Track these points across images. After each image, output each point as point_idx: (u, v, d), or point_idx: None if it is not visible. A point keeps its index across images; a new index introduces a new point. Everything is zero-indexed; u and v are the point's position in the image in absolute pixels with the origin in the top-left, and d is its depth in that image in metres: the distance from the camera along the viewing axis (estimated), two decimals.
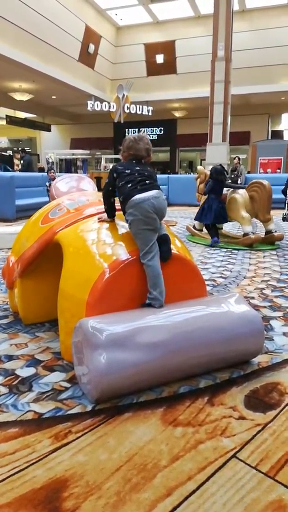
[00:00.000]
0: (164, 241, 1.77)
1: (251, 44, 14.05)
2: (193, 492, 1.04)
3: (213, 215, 4.62)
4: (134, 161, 1.90)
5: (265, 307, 2.49)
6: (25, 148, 12.80)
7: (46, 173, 8.60)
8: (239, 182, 10.14)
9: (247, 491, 1.05)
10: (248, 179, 9.27)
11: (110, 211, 1.91)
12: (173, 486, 1.06)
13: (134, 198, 1.74)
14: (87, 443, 1.23)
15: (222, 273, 3.33)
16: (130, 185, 1.79)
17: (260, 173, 13.53)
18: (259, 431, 1.29)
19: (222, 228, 5.39)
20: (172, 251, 1.79)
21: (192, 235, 5.27)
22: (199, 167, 5.68)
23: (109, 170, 1.96)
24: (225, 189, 5.09)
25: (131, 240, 1.77)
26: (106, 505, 1.00)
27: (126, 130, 18.53)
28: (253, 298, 2.66)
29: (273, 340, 1.99)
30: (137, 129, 19.00)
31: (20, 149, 13.20)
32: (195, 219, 4.98)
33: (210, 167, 5.58)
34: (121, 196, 1.82)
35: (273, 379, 1.61)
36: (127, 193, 1.77)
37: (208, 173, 5.31)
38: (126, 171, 1.85)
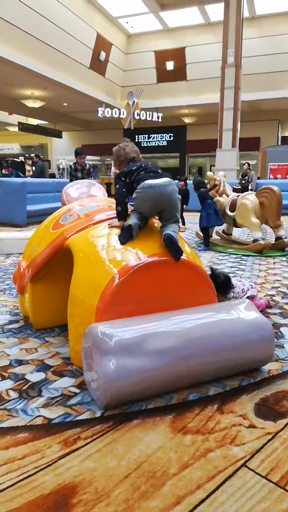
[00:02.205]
0: (169, 242, 1.74)
1: (261, 50, 14.09)
2: (203, 501, 1.04)
3: (213, 218, 4.67)
4: (131, 162, 2.03)
5: (275, 314, 2.46)
6: (37, 154, 12.93)
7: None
8: (249, 188, 10.09)
9: (257, 501, 1.04)
10: (258, 185, 9.23)
11: (123, 213, 1.92)
12: (182, 495, 1.05)
13: (145, 182, 1.84)
14: (96, 450, 1.23)
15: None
16: (143, 172, 1.91)
17: (270, 179, 13.46)
18: (269, 440, 1.28)
19: (231, 234, 5.38)
20: (182, 257, 1.79)
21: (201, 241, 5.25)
22: (208, 173, 5.68)
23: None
24: (235, 195, 5.08)
25: (141, 246, 1.78)
26: None
27: (136, 136, 18.67)
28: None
29: (283, 347, 1.97)
30: (146, 135, 19.14)
31: (34, 155, 13.34)
32: (202, 226, 4.96)
33: (221, 172, 5.58)
34: (134, 183, 1.89)
35: (283, 387, 1.59)
36: (141, 178, 1.87)
37: (218, 178, 5.32)
38: (133, 168, 1.95)
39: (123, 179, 1.94)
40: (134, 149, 2.10)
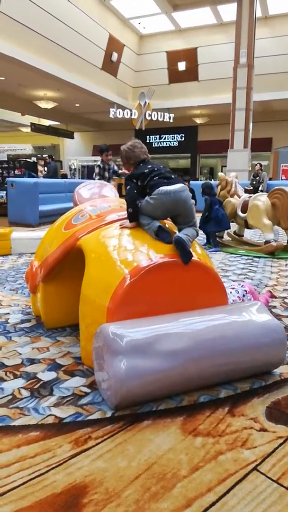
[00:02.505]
0: (179, 245, 1.74)
1: (274, 50, 13.98)
2: (213, 504, 1.03)
3: (221, 223, 4.70)
4: (141, 164, 2.02)
5: (287, 316, 2.44)
6: (50, 155, 13.03)
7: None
8: (260, 188, 10.01)
9: (268, 505, 1.03)
10: (270, 186, 9.14)
11: (135, 215, 1.92)
12: (193, 497, 1.05)
13: (160, 188, 1.85)
14: (106, 450, 1.23)
15: (243, 281, 3.29)
16: (157, 177, 1.91)
17: (282, 179, 13.33)
18: (281, 444, 1.26)
19: (243, 236, 5.34)
20: (193, 258, 1.79)
21: None
22: (220, 174, 5.65)
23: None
24: (246, 196, 5.05)
25: (152, 247, 1.78)
26: None
27: (147, 137, 18.69)
28: (274, 307, 2.61)
29: None
30: (158, 136, 19.14)
31: (46, 155, 13.44)
32: (209, 230, 4.94)
33: (233, 173, 5.54)
34: (147, 188, 1.90)
35: None
36: (154, 183, 1.88)
37: (230, 179, 5.29)
38: (145, 171, 1.95)
39: (134, 181, 1.94)
40: (143, 150, 2.09)
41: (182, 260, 1.73)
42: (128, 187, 1.94)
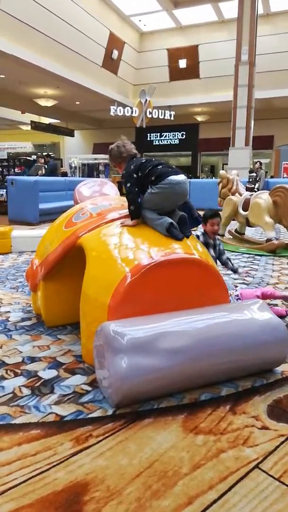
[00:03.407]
0: (182, 221, 1.87)
1: (275, 47, 13.90)
2: (215, 501, 1.03)
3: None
4: (134, 158, 2.05)
5: None
6: (48, 153, 13.01)
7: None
8: (256, 186, 9.93)
9: (270, 503, 1.03)
10: (271, 184, 9.11)
11: (137, 212, 1.92)
12: (194, 495, 1.05)
13: (170, 178, 1.86)
14: (107, 448, 1.23)
15: (245, 279, 3.29)
16: (161, 166, 1.91)
17: (283, 177, 13.31)
18: (282, 442, 1.26)
19: (244, 234, 5.33)
20: (194, 256, 1.79)
21: None
22: (221, 172, 5.64)
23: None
24: (248, 194, 5.03)
25: (154, 245, 1.77)
26: (126, 511, 1.00)
27: (148, 134, 18.65)
28: (276, 305, 2.61)
29: None
30: (159, 134, 19.10)
31: (45, 154, 13.43)
32: None
33: (234, 171, 5.52)
34: (152, 176, 1.89)
35: None
36: (160, 172, 1.88)
37: (231, 177, 5.27)
38: (143, 161, 1.97)
39: (134, 175, 1.92)
40: (133, 146, 2.15)
41: (182, 233, 1.83)
42: (128, 185, 1.93)
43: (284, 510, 1.01)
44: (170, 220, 1.83)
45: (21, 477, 1.11)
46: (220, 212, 4.53)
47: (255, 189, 9.12)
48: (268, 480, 1.11)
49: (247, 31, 11.30)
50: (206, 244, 2.70)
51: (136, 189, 1.91)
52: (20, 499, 1.03)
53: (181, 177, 1.90)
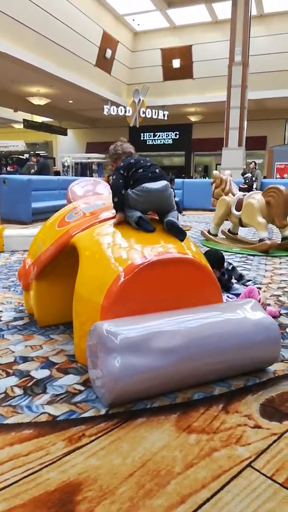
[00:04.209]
0: (171, 226, 1.88)
1: (268, 48, 14.00)
2: (207, 500, 1.03)
3: None
4: (128, 157, 2.06)
5: (281, 314, 2.45)
6: (38, 152, 12.92)
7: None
8: (254, 186, 10.01)
9: (263, 502, 1.03)
10: (264, 185, 9.16)
11: (121, 204, 1.94)
12: (187, 494, 1.05)
13: (144, 185, 1.89)
14: (100, 447, 1.23)
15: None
16: (141, 170, 1.94)
17: (276, 178, 13.40)
18: (275, 441, 1.27)
19: (237, 234, 5.35)
20: (187, 255, 1.79)
21: (207, 240, 5.24)
22: (214, 172, 5.65)
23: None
24: (241, 194, 5.06)
25: (147, 245, 1.77)
26: (119, 510, 0.99)
27: (142, 134, 18.65)
28: (269, 305, 2.62)
29: None
30: (152, 133, 19.12)
31: (35, 152, 13.35)
32: None
33: (227, 171, 5.54)
34: (131, 180, 1.93)
35: None
36: (137, 178, 1.91)
37: (224, 177, 5.29)
38: (131, 161, 1.99)
39: (121, 171, 1.96)
40: (131, 146, 2.19)
41: (178, 239, 1.85)
42: (114, 177, 1.98)
43: (276, 508, 1.01)
44: (139, 214, 1.88)
45: (13, 477, 1.10)
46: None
47: (254, 189, 9.16)
48: (260, 478, 1.11)
49: (241, 32, 11.35)
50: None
51: (121, 181, 1.95)
52: (12, 499, 1.03)
53: (157, 185, 1.90)
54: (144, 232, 1.87)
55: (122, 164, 2.00)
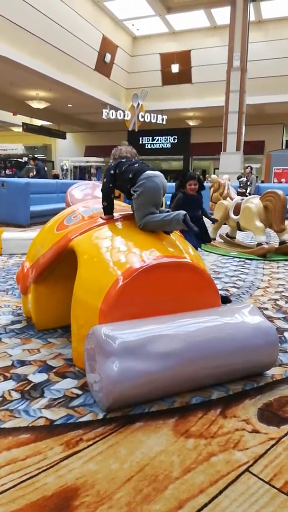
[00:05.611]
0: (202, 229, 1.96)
1: (267, 54, 14.09)
2: (205, 505, 1.03)
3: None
4: (123, 159, 2.09)
5: (279, 318, 2.45)
6: (35, 156, 12.94)
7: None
8: (247, 191, 10.01)
9: (261, 507, 1.03)
10: (262, 189, 9.18)
11: (110, 208, 1.99)
12: (185, 499, 1.05)
13: (146, 172, 1.91)
14: (98, 452, 1.22)
15: (235, 283, 3.30)
16: (137, 164, 1.97)
17: (274, 182, 13.45)
18: (272, 445, 1.27)
19: (235, 238, 5.37)
20: (186, 259, 1.79)
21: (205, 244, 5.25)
22: (212, 176, 5.68)
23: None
24: (239, 198, 5.07)
25: (146, 249, 1.77)
26: None
27: (140, 138, 18.70)
28: (266, 309, 2.63)
29: (287, 352, 1.96)
30: (151, 138, 19.17)
31: (32, 156, 13.37)
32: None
33: (226, 175, 5.57)
34: (130, 174, 1.94)
35: (287, 393, 1.58)
36: (137, 169, 1.93)
37: (222, 181, 5.31)
38: (123, 160, 2.03)
39: (112, 172, 1.99)
40: (132, 151, 2.23)
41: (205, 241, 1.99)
42: (104, 180, 2.01)
43: None
44: (184, 212, 1.84)
45: (10, 482, 1.09)
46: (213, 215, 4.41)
47: (247, 194, 9.17)
48: (258, 483, 1.11)
49: (239, 37, 11.44)
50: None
51: (110, 185, 1.98)
52: (9, 504, 1.02)
53: (157, 172, 1.96)
54: (143, 236, 1.87)
55: (112, 164, 2.04)
